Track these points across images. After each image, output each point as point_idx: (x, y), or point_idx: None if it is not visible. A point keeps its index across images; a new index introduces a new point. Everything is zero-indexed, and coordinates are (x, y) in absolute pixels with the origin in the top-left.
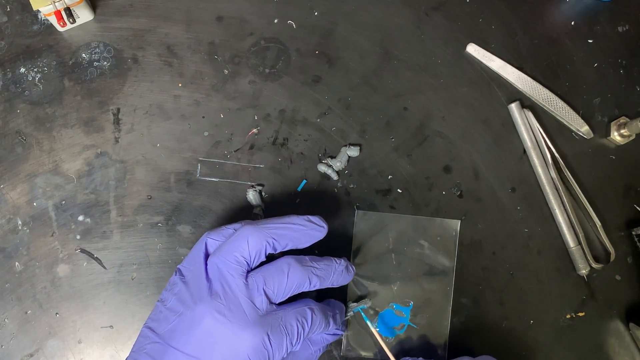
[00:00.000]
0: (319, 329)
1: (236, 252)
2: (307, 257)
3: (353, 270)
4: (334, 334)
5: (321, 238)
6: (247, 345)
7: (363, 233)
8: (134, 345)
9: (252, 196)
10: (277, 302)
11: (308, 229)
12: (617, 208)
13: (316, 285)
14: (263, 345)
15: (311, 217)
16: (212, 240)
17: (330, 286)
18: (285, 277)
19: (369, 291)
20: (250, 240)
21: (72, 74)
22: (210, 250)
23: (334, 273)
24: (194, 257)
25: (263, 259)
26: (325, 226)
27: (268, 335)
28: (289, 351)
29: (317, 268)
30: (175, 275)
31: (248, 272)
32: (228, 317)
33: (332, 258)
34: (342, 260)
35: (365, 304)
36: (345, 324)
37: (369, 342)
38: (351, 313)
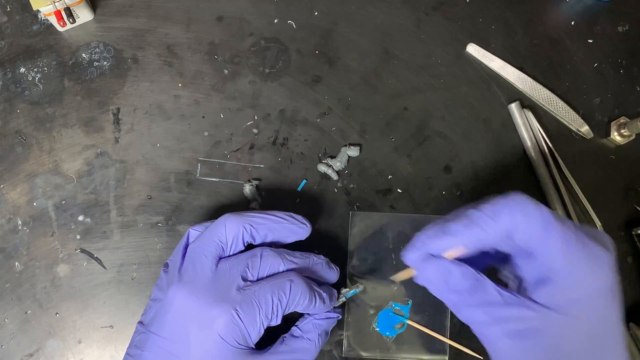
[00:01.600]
0: (302, 303)
1: (213, 236)
2: (283, 249)
3: (336, 268)
4: (327, 318)
5: (304, 236)
6: (216, 322)
7: (361, 233)
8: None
9: (248, 191)
10: (254, 279)
11: (289, 223)
12: (617, 208)
13: (295, 266)
14: (232, 320)
15: (294, 214)
16: (194, 231)
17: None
18: (258, 260)
19: (363, 282)
20: (227, 225)
21: (72, 74)
22: (192, 240)
23: (313, 264)
24: (177, 249)
25: (241, 247)
26: (308, 225)
27: (237, 310)
28: (266, 325)
29: (292, 256)
30: (163, 268)
31: (223, 258)
32: (196, 295)
33: (311, 254)
34: (322, 256)
35: (358, 288)
36: (341, 308)
37: (370, 342)
38: (343, 298)
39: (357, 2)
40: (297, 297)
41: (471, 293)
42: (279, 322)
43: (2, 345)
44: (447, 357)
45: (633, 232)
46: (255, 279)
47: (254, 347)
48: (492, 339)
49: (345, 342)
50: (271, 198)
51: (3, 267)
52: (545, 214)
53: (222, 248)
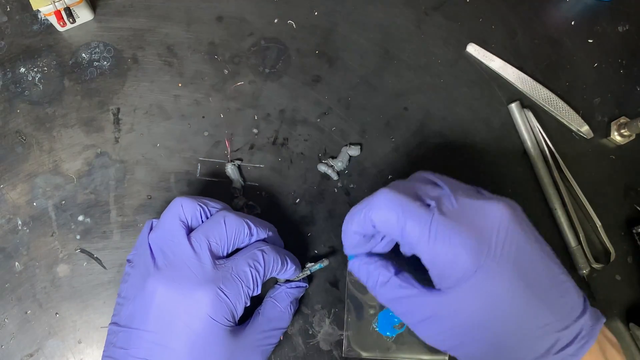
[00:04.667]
0: (276, 269)
1: (174, 218)
2: (240, 212)
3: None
4: (297, 287)
5: (262, 226)
6: (203, 304)
7: None
8: (104, 347)
9: (230, 171)
10: (224, 255)
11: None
12: (617, 208)
13: (255, 234)
14: (219, 298)
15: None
16: (154, 220)
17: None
18: (224, 227)
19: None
20: (184, 205)
21: (72, 74)
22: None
23: (269, 228)
24: (139, 241)
25: (200, 222)
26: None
27: (221, 287)
28: (250, 296)
29: (250, 218)
30: (127, 265)
31: (188, 234)
32: (177, 282)
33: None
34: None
35: (323, 262)
36: (307, 280)
37: (370, 342)
38: (308, 271)
39: (357, 2)
40: (271, 264)
41: (384, 286)
42: (259, 291)
43: (2, 345)
44: (447, 357)
45: (634, 231)
46: (225, 249)
47: (237, 322)
48: (412, 325)
49: (345, 342)
50: (271, 198)
51: (3, 267)
52: (400, 220)
53: (186, 227)
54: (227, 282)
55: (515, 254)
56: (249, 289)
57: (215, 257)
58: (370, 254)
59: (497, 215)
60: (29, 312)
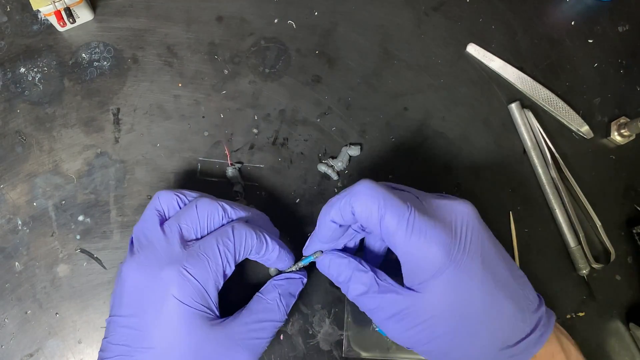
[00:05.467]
0: (251, 246)
1: (150, 209)
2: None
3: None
4: (287, 279)
5: (242, 210)
6: (168, 284)
7: None
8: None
9: (230, 173)
10: (197, 238)
11: (219, 202)
12: (617, 208)
13: (232, 215)
14: (183, 277)
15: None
16: (161, 194)
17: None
18: (195, 210)
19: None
20: (160, 197)
21: (72, 74)
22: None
23: (248, 210)
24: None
25: (177, 209)
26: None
27: (185, 267)
28: (221, 277)
29: (228, 202)
30: None
31: (163, 222)
32: (145, 264)
33: (250, 208)
34: (261, 212)
35: (315, 255)
36: (305, 275)
37: (370, 342)
38: (301, 264)
39: (357, 2)
40: (243, 240)
41: (354, 282)
42: (232, 268)
43: (2, 345)
44: None
45: (634, 231)
46: (199, 232)
47: (218, 314)
48: (380, 322)
49: (345, 342)
50: (271, 198)
51: (3, 267)
52: (380, 208)
53: (161, 215)
54: (192, 259)
55: (481, 248)
56: (219, 265)
57: (187, 240)
58: (339, 251)
59: (464, 212)
60: (29, 312)
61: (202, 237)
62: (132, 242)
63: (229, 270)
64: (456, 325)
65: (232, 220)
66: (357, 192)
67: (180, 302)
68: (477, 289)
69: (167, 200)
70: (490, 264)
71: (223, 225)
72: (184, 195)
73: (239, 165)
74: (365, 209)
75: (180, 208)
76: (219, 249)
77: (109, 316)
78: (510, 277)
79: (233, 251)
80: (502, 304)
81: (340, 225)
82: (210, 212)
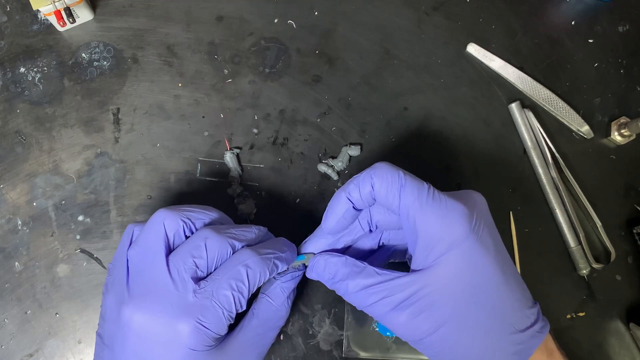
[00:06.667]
0: (264, 280)
1: (154, 238)
2: (224, 225)
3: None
4: (292, 279)
5: (251, 237)
6: (182, 336)
7: None
8: (94, 354)
9: (229, 159)
10: (206, 275)
11: (224, 219)
12: (617, 208)
13: (239, 247)
14: (198, 330)
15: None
16: (135, 229)
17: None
18: (204, 250)
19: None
20: (166, 223)
21: (72, 74)
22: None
23: (257, 236)
24: (118, 252)
25: (183, 239)
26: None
27: (199, 319)
28: (234, 315)
29: (235, 233)
30: (106, 276)
31: (168, 255)
32: (153, 312)
33: (251, 226)
34: (261, 227)
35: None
36: (303, 267)
37: (370, 342)
38: (297, 263)
39: (357, 2)
40: (257, 279)
41: (353, 278)
42: (244, 308)
43: (2, 346)
44: None
45: (634, 231)
46: (206, 272)
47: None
48: (383, 315)
49: (345, 342)
50: (271, 198)
51: (3, 267)
52: (401, 178)
53: (165, 248)
54: (206, 311)
55: (492, 233)
56: (232, 311)
57: (196, 280)
58: (331, 252)
59: (477, 199)
60: (29, 312)
61: (210, 274)
62: (128, 270)
63: (241, 310)
64: (467, 305)
65: (242, 247)
66: (378, 167)
67: (192, 351)
68: (492, 267)
69: (173, 227)
70: (499, 249)
71: (233, 255)
72: (190, 220)
73: (237, 150)
74: (385, 181)
75: (185, 235)
76: (232, 295)
77: (109, 349)
78: (514, 267)
79: (247, 293)
80: (512, 287)
81: (353, 208)
82: (220, 252)
